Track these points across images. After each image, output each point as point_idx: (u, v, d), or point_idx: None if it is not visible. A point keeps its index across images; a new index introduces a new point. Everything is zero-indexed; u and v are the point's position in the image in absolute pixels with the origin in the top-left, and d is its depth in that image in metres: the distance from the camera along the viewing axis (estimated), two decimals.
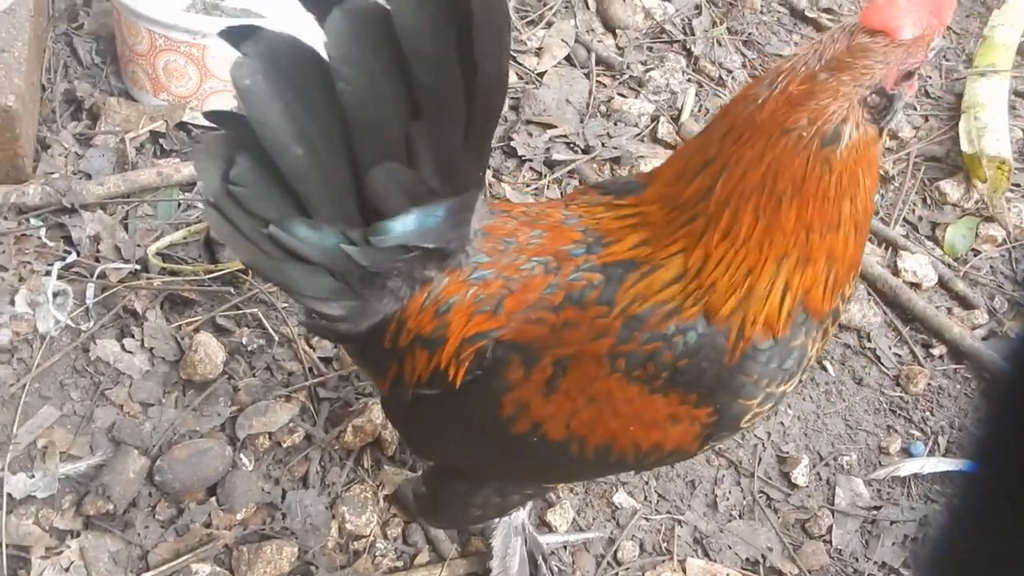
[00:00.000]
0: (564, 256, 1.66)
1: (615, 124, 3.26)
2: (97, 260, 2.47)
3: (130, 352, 2.33)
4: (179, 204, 2.67)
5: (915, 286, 3.00)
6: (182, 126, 2.87)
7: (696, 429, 1.65)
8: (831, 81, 1.50)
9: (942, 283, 3.05)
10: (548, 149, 3.12)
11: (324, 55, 1.41)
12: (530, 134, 3.17)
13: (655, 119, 3.31)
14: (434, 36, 1.40)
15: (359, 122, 1.46)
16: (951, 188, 3.31)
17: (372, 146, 1.49)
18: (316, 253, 1.57)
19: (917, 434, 2.65)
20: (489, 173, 2.92)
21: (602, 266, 1.63)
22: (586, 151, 3.15)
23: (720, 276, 1.56)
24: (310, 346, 2.42)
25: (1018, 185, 3.41)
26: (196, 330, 2.39)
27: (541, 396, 1.64)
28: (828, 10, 4.00)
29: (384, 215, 1.57)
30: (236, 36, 1.40)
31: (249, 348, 2.39)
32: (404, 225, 1.57)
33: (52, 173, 2.64)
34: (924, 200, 3.33)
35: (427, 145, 1.51)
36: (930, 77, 3.82)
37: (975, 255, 3.19)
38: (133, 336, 2.36)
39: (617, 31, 3.66)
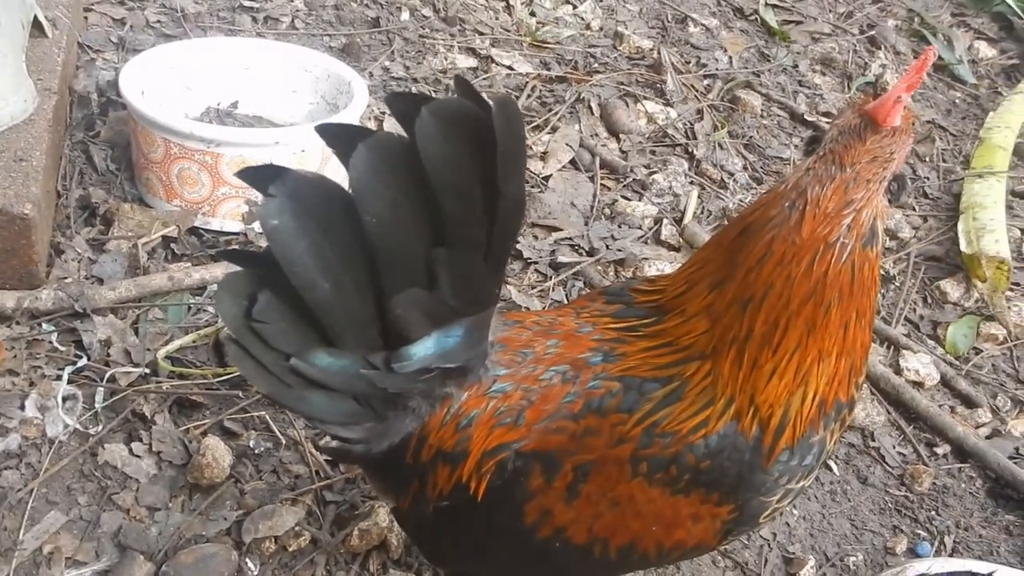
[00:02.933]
0: (582, 364, 1.69)
1: (619, 226, 3.32)
2: (107, 364, 2.51)
3: (138, 456, 2.35)
4: (189, 308, 2.72)
5: (918, 385, 3.02)
6: (194, 231, 2.94)
7: (717, 525, 1.69)
8: (859, 186, 1.56)
9: (945, 382, 3.07)
10: (553, 251, 3.17)
11: (347, 189, 1.45)
12: (535, 237, 3.23)
13: (658, 221, 3.37)
14: (459, 165, 1.44)
15: (383, 252, 1.49)
16: (951, 287, 3.35)
17: (395, 274, 1.52)
18: (338, 381, 1.59)
19: (923, 534, 2.64)
20: None
21: (620, 375, 1.66)
22: (591, 253, 3.20)
23: (773, 391, 1.61)
24: (317, 449, 2.44)
25: (1018, 284, 3.45)
26: (204, 433, 2.41)
27: (563, 502, 1.67)
28: (827, 114, 4.09)
29: (405, 339, 1.59)
30: (261, 177, 1.44)
31: (256, 451, 2.41)
32: (424, 349, 1.60)
33: (65, 278, 2.69)
34: (925, 299, 3.37)
35: (448, 269, 1.54)
36: (928, 178, 3.89)
37: (977, 354, 3.21)
38: (141, 440, 2.38)
39: (621, 135, 3.75)
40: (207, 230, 2.95)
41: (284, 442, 2.45)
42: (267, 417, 2.48)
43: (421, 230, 1.49)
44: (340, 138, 1.45)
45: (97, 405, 2.42)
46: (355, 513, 2.33)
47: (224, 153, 2.82)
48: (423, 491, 1.74)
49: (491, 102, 1.41)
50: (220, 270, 2.76)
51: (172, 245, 2.89)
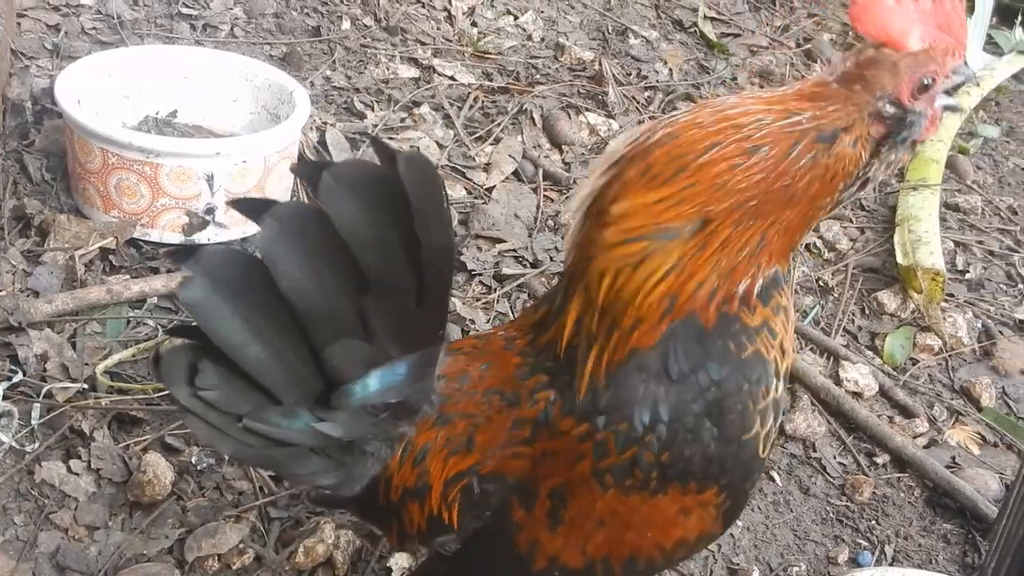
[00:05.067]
0: (513, 382, 1.69)
1: (563, 238, 3.33)
2: (44, 379, 2.45)
3: (76, 474, 2.30)
4: (128, 321, 2.67)
5: (857, 395, 3.06)
6: (132, 243, 2.89)
7: (711, 512, 1.67)
8: (842, 90, 1.53)
9: (883, 392, 3.12)
10: (497, 263, 3.17)
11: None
12: (479, 248, 3.22)
13: None
14: (372, 222, 1.47)
15: (309, 313, 1.52)
16: (888, 299, 3.41)
17: (326, 329, 1.55)
18: (294, 435, 1.61)
19: (864, 543, 2.68)
20: None
21: (549, 381, 1.65)
22: (535, 265, 3.20)
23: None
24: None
25: (952, 295, 3.52)
26: (144, 450, 2.37)
27: (548, 530, 1.67)
28: None
29: (347, 383, 1.61)
30: (179, 258, 1.48)
31: (198, 467, 2.37)
32: (365, 387, 1.61)
33: None
34: (863, 310, 3.42)
35: (380, 316, 1.57)
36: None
37: (913, 364, 3.27)
38: (80, 457, 2.33)
39: (563, 147, 3.76)
40: (146, 241, 2.90)
41: (227, 458, 2.41)
42: None
43: (345, 285, 1.52)
44: (253, 210, 1.48)
45: (33, 422, 2.37)
46: (300, 529, 2.31)
47: (164, 163, 2.78)
48: (403, 528, 1.77)
49: (399, 158, 1.45)
50: (160, 282, 2.72)
51: (110, 257, 2.84)
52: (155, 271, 2.82)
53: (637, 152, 1.56)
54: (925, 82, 1.54)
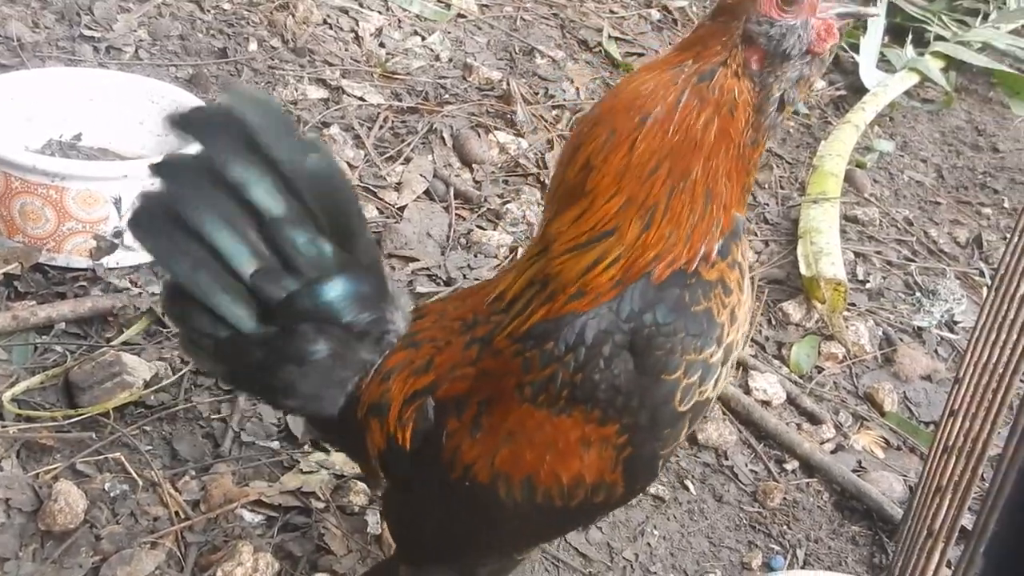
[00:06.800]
0: (479, 309, 1.78)
1: (475, 256, 3.36)
2: None
3: None
4: (35, 348, 2.62)
5: (766, 404, 3.14)
6: (38, 268, 2.83)
7: (610, 454, 1.69)
8: (715, 25, 1.62)
9: (790, 400, 3.20)
10: (411, 282, 3.18)
11: None
12: (393, 267, 3.23)
13: (513, 250, 3.42)
14: (234, 157, 1.59)
15: (222, 249, 1.62)
16: (793, 309, 3.50)
17: (244, 261, 1.63)
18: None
19: (776, 548, 2.74)
20: None
21: (507, 306, 1.73)
22: (448, 283, 3.22)
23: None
24: (176, 489, 2.38)
25: (854, 305, 3.63)
26: (55, 478, 2.32)
27: (469, 436, 1.73)
28: None
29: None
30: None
31: (112, 494, 2.33)
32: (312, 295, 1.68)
33: None
34: (770, 321, 3.51)
35: (289, 247, 1.63)
36: (767, 204, 4.07)
37: (819, 372, 3.36)
38: None
39: (474, 165, 3.79)
40: (52, 266, 2.85)
41: (141, 484, 2.37)
42: (122, 458, 2.40)
43: (243, 221, 1.62)
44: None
45: None
46: (218, 554, 2.28)
47: (69, 187, 2.73)
48: (368, 451, 1.84)
49: (229, 94, 1.60)
50: (67, 307, 2.67)
51: (15, 283, 2.77)
52: (62, 296, 2.77)
53: (559, 164, 1.70)
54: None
